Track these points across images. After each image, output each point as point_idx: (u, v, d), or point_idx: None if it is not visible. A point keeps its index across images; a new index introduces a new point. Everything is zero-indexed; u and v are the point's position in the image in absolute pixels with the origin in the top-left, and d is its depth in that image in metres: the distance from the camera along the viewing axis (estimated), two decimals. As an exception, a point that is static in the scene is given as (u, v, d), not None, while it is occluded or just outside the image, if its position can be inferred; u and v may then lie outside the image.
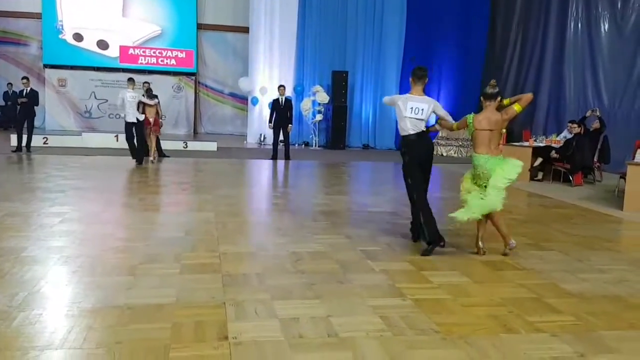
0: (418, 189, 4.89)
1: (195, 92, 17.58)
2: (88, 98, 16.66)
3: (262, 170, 10.59)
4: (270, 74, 15.95)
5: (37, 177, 8.34)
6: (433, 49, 16.34)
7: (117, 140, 12.41)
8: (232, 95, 17.86)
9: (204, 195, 7.33)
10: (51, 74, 16.54)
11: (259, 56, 15.84)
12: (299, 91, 15.81)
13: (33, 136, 11.56)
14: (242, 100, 17.40)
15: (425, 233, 4.69)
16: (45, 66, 16.48)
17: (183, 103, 17.26)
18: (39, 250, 4.29)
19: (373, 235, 5.26)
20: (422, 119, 4.87)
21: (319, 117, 15.57)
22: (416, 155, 4.85)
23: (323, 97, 15.40)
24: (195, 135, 17.10)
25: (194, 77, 17.47)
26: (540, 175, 10.14)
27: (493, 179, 4.51)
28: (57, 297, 3.34)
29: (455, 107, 16.58)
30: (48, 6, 16.13)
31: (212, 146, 13.29)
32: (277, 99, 12.00)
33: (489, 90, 4.69)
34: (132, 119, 10.14)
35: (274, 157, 11.94)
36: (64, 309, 3.16)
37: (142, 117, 10.20)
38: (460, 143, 14.87)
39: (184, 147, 13.09)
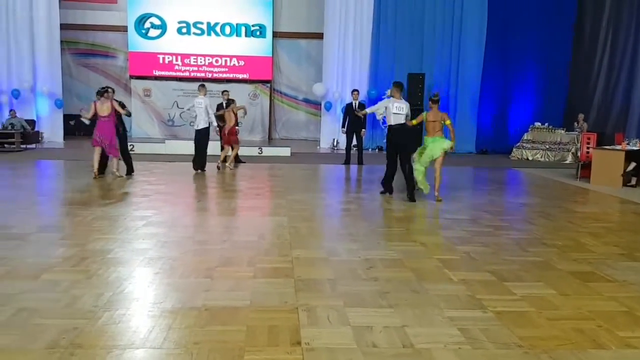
0: (390, 159, 7.72)
1: (270, 99, 17.94)
2: (171, 107, 17.47)
3: (335, 175, 10.59)
4: (343, 78, 15.99)
5: (123, 182, 8.82)
6: (515, 49, 15.74)
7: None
8: (306, 101, 18.06)
9: (278, 199, 7.43)
10: (137, 85, 17.50)
11: (332, 61, 15.93)
12: (373, 95, 15.72)
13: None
14: (316, 106, 17.55)
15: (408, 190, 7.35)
16: (131, 77, 17.46)
17: (259, 110, 17.66)
18: (124, 252, 4.51)
19: (451, 243, 5.08)
20: (402, 114, 7.55)
21: (393, 121, 15.37)
22: (395, 138, 7.54)
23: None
24: (270, 141, 17.44)
25: (269, 85, 17.85)
26: (633, 180, 9.42)
27: (426, 154, 7.32)
28: (140, 298, 3.48)
29: (542, 106, 15.89)
30: (134, 19, 17.10)
31: (285, 151, 13.50)
32: (350, 104, 11.97)
33: (435, 98, 7.54)
34: (200, 125, 10.13)
35: (347, 162, 11.92)
36: (146, 309, 3.28)
37: (214, 124, 10.28)
38: (548, 146, 14.08)
39: (259, 152, 13.38)
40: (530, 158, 14.14)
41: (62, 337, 2.83)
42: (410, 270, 4.16)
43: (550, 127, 14.34)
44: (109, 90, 8.96)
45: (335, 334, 2.98)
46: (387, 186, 7.84)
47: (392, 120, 7.47)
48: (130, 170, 9.34)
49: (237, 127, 10.72)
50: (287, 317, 3.18)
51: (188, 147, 13.28)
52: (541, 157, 14.05)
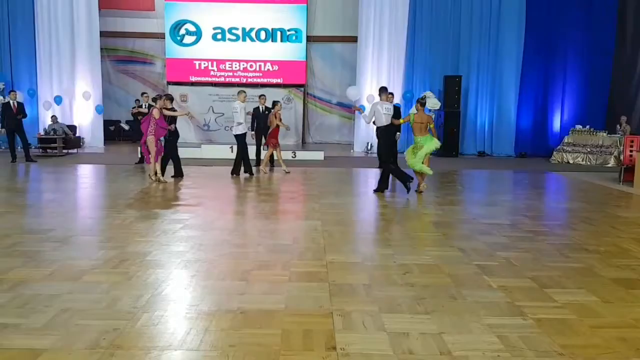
0: (387, 159, 8.40)
1: (304, 103, 18.02)
2: (207, 112, 17.76)
3: (369, 179, 10.53)
4: (378, 81, 15.92)
5: (160, 186, 8.99)
6: (554, 50, 15.38)
7: (232, 151, 13.04)
8: (340, 104, 18.06)
9: (311, 203, 7.44)
10: (174, 91, 17.82)
11: (367, 64, 15.91)
12: (408, 98, 15.60)
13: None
14: (349, 109, 17.53)
15: (402, 181, 8.00)
16: (169, 83, 17.83)
17: (292, 114, 17.76)
18: (162, 255, 4.58)
19: (490, 248, 4.97)
20: (390, 115, 8.24)
21: (429, 123, 15.22)
22: (387, 137, 8.33)
23: (434, 103, 15.03)
24: (304, 145, 17.51)
25: (302, 89, 17.93)
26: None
27: (423, 151, 8.11)
28: (178, 300, 3.53)
29: (583, 108, 15.47)
30: (171, 26, 17.48)
31: (319, 155, 13.51)
32: (385, 107, 11.89)
33: (423, 101, 8.31)
34: (238, 130, 10.16)
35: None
36: (183, 311, 3.32)
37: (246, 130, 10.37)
38: (589, 150, 13.65)
39: (292, 156, 13.44)
40: (571, 161, 13.76)
41: (103, 337, 2.89)
42: (448, 276, 4.09)
43: (592, 129, 13.92)
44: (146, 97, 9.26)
45: (370, 339, 2.94)
46: (385, 183, 8.43)
47: (384, 121, 8.18)
48: (178, 174, 9.79)
49: (279, 130, 10.74)
50: (322, 322, 3.16)
51: (223, 152, 13.51)
52: (582, 161, 13.64)
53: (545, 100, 15.79)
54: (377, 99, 15.45)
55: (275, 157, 11.04)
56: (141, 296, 3.54)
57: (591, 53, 15.24)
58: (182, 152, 13.76)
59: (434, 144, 8.19)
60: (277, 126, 10.60)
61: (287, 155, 13.32)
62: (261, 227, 5.82)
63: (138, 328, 3.04)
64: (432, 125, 8.21)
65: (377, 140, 8.67)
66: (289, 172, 10.58)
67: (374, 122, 8.47)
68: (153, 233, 5.39)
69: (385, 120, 8.19)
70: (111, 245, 4.87)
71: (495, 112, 15.64)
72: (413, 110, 8.71)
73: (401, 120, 8.56)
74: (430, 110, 15.18)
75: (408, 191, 8.00)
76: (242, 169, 10.19)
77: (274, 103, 10.78)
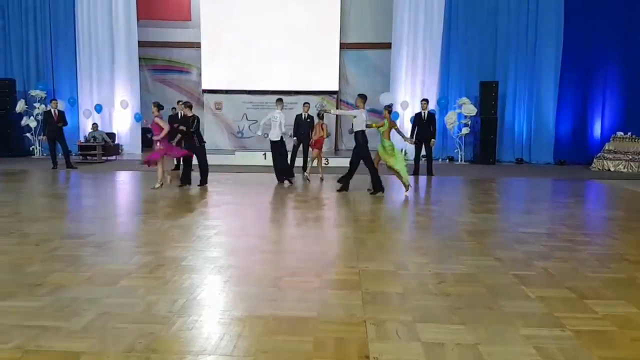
0: (357, 162, 9.20)
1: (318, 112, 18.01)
2: (240, 119, 17.97)
3: (403, 186, 10.43)
4: (412, 88, 15.84)
5: (195, 192, 9.13)
6: (594, 54, 14.98)
7: (265, 158, 13.17)
8: (372, 111, 17.96)
9: (343, 210, 7.42)
10: (209, 98, 18.15)
11: (400, 71, 15.84)
12: (443, 104, 15.45)
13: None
14: (382, 116, 17.45)
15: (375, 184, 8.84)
16: (204, 91, 18.13)
17: (325, 121, 17.78)
18: (196, 260, 4.64)
19: (527, 258, 4.85)
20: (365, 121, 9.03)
21: (465, 130, 15.01)
22: (364, 141, 9.02)
23: (470, 109, 14.84)
24: (336, 151, 17.51)
25: (335, 96, 17.95)
26: None
27: (397, 164, 8.99)
28: (211, 305, 3.56)
29: (624, 114, 15.00)
30: (206, 35, 17.80)
31: (353, 162, 13.45)
32: (420, 113, 11.81)
33: (390, 108, 9.64)
34: (273, 137, 10.27)
35: (416, 173, 11.75)
36: (217, 316, 3.35)
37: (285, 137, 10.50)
38: (631, 157, 13.21)
39: (325, 163, 13.41)
40: (612, 169, 13.33)
41: (139, 341, 2.94)
42: (484, 286, 4.00)
43: (634, 136, 13.47)
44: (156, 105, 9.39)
45: (404, 349, 2.90)
46: (379, 185, 8.91)
47: (363, 127, 8.98)
48: (202, 181, 9.70)
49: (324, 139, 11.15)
50: (355, 330, 3.13)
51: (257, 159, 13.64)
52: (624, 168, 13.21)
53: (585, 106, 15.36)
54: (410, 105, 15.59)
55: (311, 164, 11.11)
56: (176, 301, 3.59)
57: (633, 58, 14.76)
58: (217, 159, 14.03)
59: (400, 159, 9.17)
60: (323, 136, 11.00)
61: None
62: (293, 234, 5.83)
63: (173, 332, 3.08)
64: (396, 127, 9.31)
65: (356, 144, 9.20)
66: (322, 179, 10.72)
67: (350, 130, 9.32)
68: (188, 239, 5.47)
69: (363, 127, 9.04)
70: (147, 250, 4.96)
71: (534, 118, 15.32)
72: (385, 116, 9.50)
73: (373, 125, 9.33)
74: (466, 116, 15.01)
75: (375, 193, 8.83)
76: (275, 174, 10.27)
77: (320, 113, 11.03)
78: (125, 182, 10.26)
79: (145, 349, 2.85)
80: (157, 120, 9.14)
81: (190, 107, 9.67)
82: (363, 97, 9.24)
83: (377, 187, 8.90)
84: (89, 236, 5.52)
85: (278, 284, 3.97)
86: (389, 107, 9.56)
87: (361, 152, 9.07)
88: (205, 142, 9.92)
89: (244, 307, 3.49)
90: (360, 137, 9.03)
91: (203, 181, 9.70)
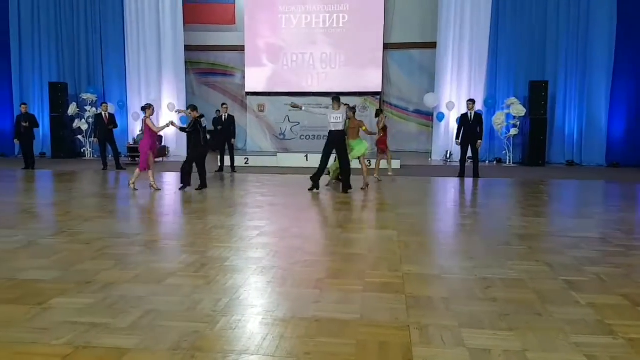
0: (325, 158, 9.29)
1: (377, 109, 17.91)
2: (282, 121, 18.12)
3: (448, 188, 10.26)
4: (458, 88, 15.56)
5: (239, 193, 9.24)
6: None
7: (307, 160, 13.21)
8: (417, 112, 17.80)
9: (386, 213, 7.34)
10: (252, 101, 18.37)
11: (446, 71, 15.59)
12: (491, 104, 15.10)
13: (235, 157, 12.89)
14: (427, 117, 17.23)
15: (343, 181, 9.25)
16: (247, 94, 18.37)
17: (367, 122, 17.65)
18: (239, 261, 4.69)
19: (578, 263, 4.67)
20: (340, 122, 9.01)
21: (513, 131, 14.63)
22: (333, 141, 9.07)
23: (518, 109, 14.45)
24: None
25: (378, 97, 17.84)
26: None
27: (354, 153, 9.54)
28: (254, 305, 3.58)
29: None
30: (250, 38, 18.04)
31: (395, 164, 13.32)
32: (466, 114, 11.58)
33: (353, 109, 9.89)
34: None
35: (461, 175, 11.52)
36: (259, 316, 3.36)
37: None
38: None
39: (367, 165, 13.34)
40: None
41: (184, 339, 2.98)
42: (533, 292, 3.87)
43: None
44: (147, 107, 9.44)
45: (449, 355, 2.83)
46: (317, 181, 9.25)
47: (332, 127, 9.03)
48: (200, 186, 9.45)
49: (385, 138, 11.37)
50: (398, 334, 3.08)
51: (299, 160, 13.70)
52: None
53: (638, 105, 14.69)
54: (456, 105, 15.29)
55: (368, 165, 11.04)
56: (220, 300, 3.63)
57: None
58: (259, 161, 14.19)
59: (364, 146, 9.58)
60: (384, 133, 11.06)
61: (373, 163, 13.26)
62: (335, 236, 5.81)
63: (217, 331, 3.11)
64: (364, 128, 9.67)
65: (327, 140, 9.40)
66: (380, 180, 10.76)
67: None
68: (231, 239, 5.53)
69: (333, 127, 9.05)
70: (192, 250, 5.05)
71: (585, 118, 14.76)
72: (351, 117, 9.68)
73: (364, 128, 9.73)
74: (514, 117, 14.64)
75: (312, 190, 9.19)
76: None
77: (380, 111, 11.30)
78: (169, 183, 10.49)
79: (190, 347, 2.89)
80: (147, 121, 9.27)
81: (195, 109, 9.67)
82: (334, 99, 9.25)
83: (345, 184, 9.19)
84: (137, 235, 5.67)
85: (320, 286, 3.95)
86: (353, 108, 9.91)
87: (326, 150, 9.25)
88: (211, 141, 9.73)
89: (287, 308, 3.50)
90: (330, 137, 9.13)
91: (201, 185, 9.38)
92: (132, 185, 9.37)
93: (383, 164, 11.60)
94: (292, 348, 2.90)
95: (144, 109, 9.47)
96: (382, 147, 11.27)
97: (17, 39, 16.97)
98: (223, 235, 5.70)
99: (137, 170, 9.40)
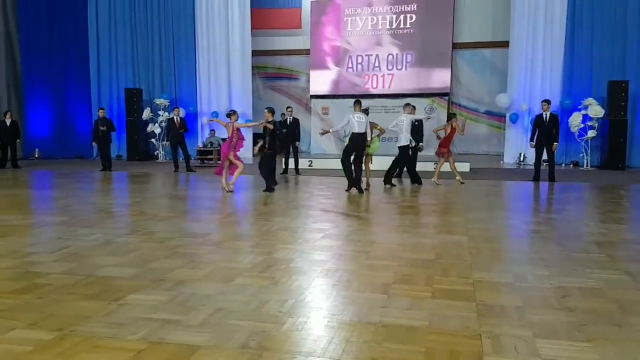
0: (347, 159, 9.40)
1: (448, 112, 17.54)
2: (347, 123, 18.06)
3: (521, 192, 9.87)
4: (531, 88, 14.98)
5: (303, 195, 9.32)
6: None
7: (372, 163, 13.08)
8: (488, 113, 17.28)
9: (455, 217, 7.15)
10: (316, 104, 18.51)
11: (519, 70, 15.07)
12: (567, 105, 14.41)
13: (300, 159, 13.02)
14: (499, 118, 16.69)
15: (350, 182, 9.35)
16: (312, 97, 18.52)
17: (435, 124, 17.35)
18: (304, 263, 4.71)
19: (663, 273, 4.34)
20: (363, 123, 9.29)
21: (591, 133, 13.90)
22: (356, 143, 9.31)
23: (596, 110, 13.71)
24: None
25: (447, 98, 17.46)
26: None
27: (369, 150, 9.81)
28: (319, 308, 3.57)
29: None
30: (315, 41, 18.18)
31: (464, 166, 12.99)
32: (541, 115, 11.10)
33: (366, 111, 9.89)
34: (401, 142, 10.31)
35: (536, 179, 11.06)
36: (325, 319, 3.35)
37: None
38: None
39: (434, 168, 13.09)
40: None
41: (252, 338, 3.02)
42: (613, 302, 3.63)
43: None
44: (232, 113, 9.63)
45: (524, 367, 2.70)
46: (354, 182, 9.33)
47: (356, 129, 9.21)
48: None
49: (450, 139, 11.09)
50: (469, 343, 2.97)
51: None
52: None
53: None
54: (524, 106, 14.70)
55: (439, 169, 10.96)
56: (286, 301, 3.65)
57: None
58: (323, 163, 14.24)
59: (376, 145, 9.95)
60: (450, 135, 10.83)
61: (429, 165, 13.04)
62: (402, 240, 5.71)
63: (283, 332, 3.13)
64: (378, 127, 9.78)
65: (347, 143, 9.63)
66: (463, 183, 10.55)
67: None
68: (295, 241, 5.57)
69: (357, 129, 9.24)
70: (259, 250, 5.13)
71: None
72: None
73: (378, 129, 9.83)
74: (592, 118, 13.90)
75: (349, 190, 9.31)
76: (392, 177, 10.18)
77: (451, 115, 11.19)
78: (238, 185, 10.74)
79: (258, 346, 2.92)
80: (235, 124, 9.46)
81: (272, 112, 9.78)
82: (356, 102, 9.60)
83: (351, 183, 9.36)
84: (207, 235, 5.83)
85: (387, 291, 3.89)
86: (365, 110, 9.91)
87: (347, 152, 9.46)
88: (269, 150, 9.63)
89: (352, 312, 3.46)
90: (351, 139, 9.44)
91: (268, 188, 9.43)
92: (228, 187, 9.40)
93: (446, 166, 11.22)
94: (358, 353, 2.86)
95: (228, 115, 9.69)
96: (442, 150, 10.95)
97: (95, 49, 18.04)
98: (288, 237, 5.75)
99: (239, 170, 9.48)
